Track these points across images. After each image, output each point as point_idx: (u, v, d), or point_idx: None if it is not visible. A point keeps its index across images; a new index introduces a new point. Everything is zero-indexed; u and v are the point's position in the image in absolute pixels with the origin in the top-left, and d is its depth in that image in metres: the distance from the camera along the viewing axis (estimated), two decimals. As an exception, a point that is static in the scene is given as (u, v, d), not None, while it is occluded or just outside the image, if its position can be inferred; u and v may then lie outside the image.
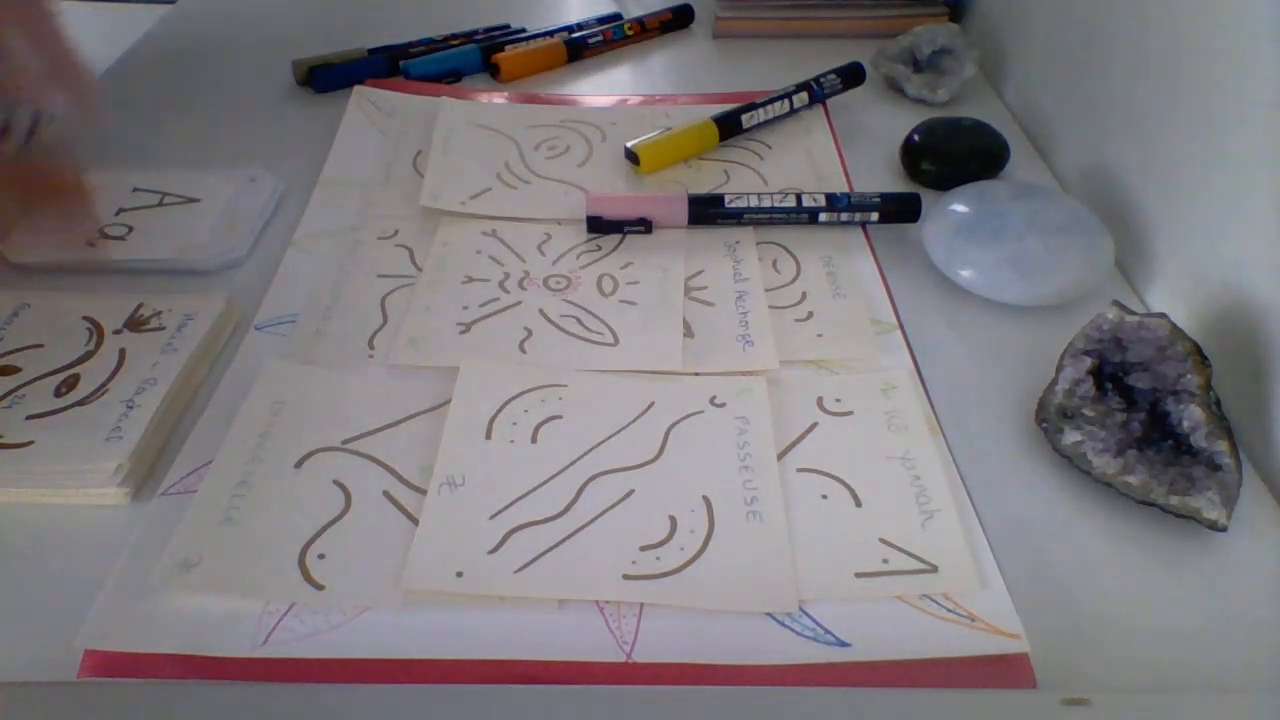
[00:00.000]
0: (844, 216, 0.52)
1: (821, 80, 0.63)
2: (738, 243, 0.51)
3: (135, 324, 0.43)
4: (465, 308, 0.46)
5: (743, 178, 0.57)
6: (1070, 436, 0.38)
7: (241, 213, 0.52)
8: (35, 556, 0.35)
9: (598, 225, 0.51)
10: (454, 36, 0.72)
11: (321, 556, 0.34)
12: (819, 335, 0.45)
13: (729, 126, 0.59)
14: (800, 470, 0.38)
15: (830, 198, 0.52)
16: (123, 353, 0.42)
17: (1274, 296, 0.39)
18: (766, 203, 0.51)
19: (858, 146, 0.61)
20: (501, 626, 0.32)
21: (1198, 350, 0.37)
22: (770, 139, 0.61)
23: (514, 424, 0.40)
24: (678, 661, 0.31)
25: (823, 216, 0.51)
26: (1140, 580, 0.35)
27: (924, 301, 0.48)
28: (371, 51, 0.69)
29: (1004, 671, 0.31)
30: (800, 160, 0.59)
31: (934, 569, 0.34)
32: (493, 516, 0.36)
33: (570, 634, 0.32)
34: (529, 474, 0.38)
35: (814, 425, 0.40)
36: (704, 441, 0.39)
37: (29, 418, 0.38)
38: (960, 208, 0.48)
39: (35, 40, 0.48)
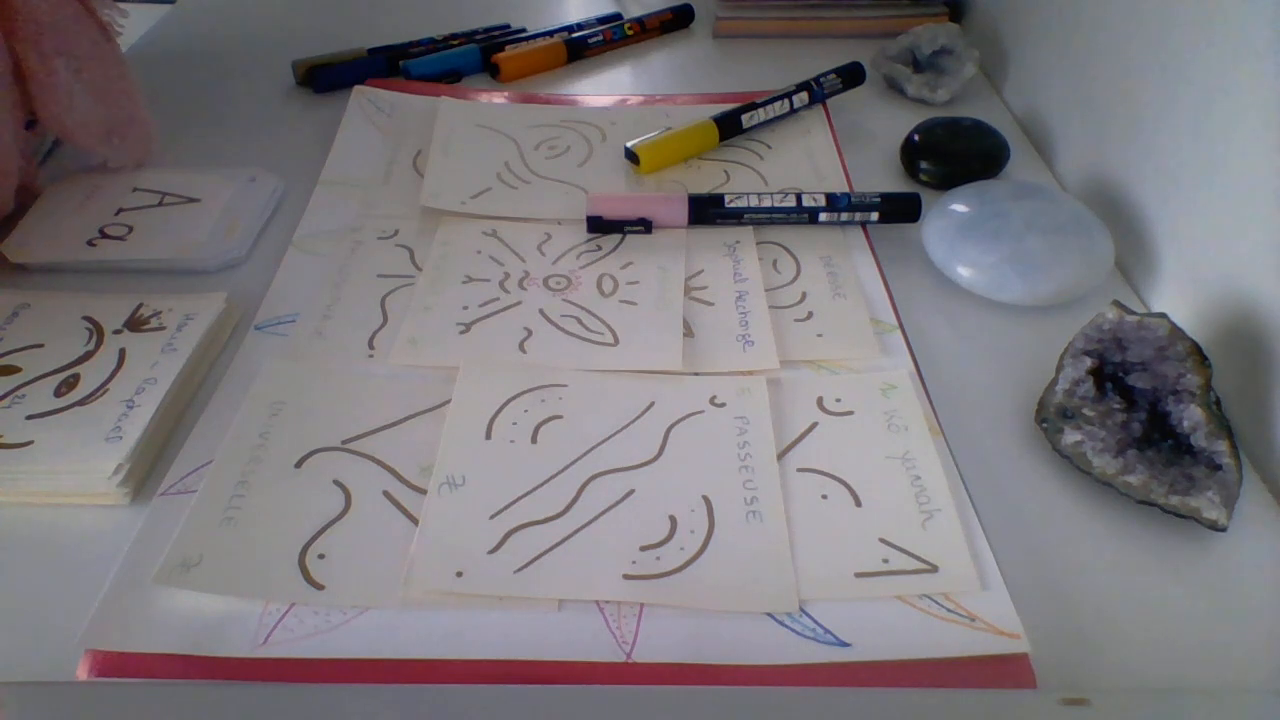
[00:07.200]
0: (844, 216, 0.52)
1: (821, 80, 0.63)
2: (738, 243, 0.51)
3: (135, 324, 0.43)
4: (465, 308, 0.46)
5: (743, 178, 0.57)
6: (1070, 436, 0.38)
7: (241, 213, 0.52)
8: (35, 556, 0.35)
9: (598, 225, 0.51)
10: (454, 36, 0.72)
11: (321, 556, 0.34)
12: (819, 335, 0.45)
13: (729, 126, 0.59)
14: (800, 470, 0.38)
15: (830, 198, 0.52)
16: (123, 353, 0.42)
17: (1274, 296, 0.39)
18: (766, 203, 0.51)
19: (858, 146, 0.61)
20: (501, 626, 0.32)
21: (1197, 350, 0.37)
22: (770, 139, 0.61)
23: (514, 424, 0.40)
24: (678, 661, 0.31)
25: (823, 216, 0.51)
26: (1140, 580, 0.35)
27: (924, 301, 0.48)
28: (371, 51, 0.69)
29: (1004, 671, 0.31)
30: (800, 160, 0.59)
31: (934, 569, 0.34)
32: (493, 516, 0.36)
33: (570, 634, 0.32)
34: (529, 474, 0.38)
35: (814, 425, 0.40)
36: (704, 441, 0.39)
37: (29, 418, 0.38)
38: (960, 208, 0.48)
39: (106, 97, 0.49)
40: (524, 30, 0.74)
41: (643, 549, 0.35)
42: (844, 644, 0.32)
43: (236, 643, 0.31)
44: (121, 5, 0.53)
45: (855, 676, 0.31)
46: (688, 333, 0.45)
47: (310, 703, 0.29)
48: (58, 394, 0.39)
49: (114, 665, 0.31)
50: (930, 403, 0.41)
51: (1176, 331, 0.38)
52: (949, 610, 0.33)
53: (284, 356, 0.43)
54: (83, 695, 0.30)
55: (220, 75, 0.68)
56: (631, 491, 0.37)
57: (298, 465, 0.38)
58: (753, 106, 0.60)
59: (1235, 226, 0.41)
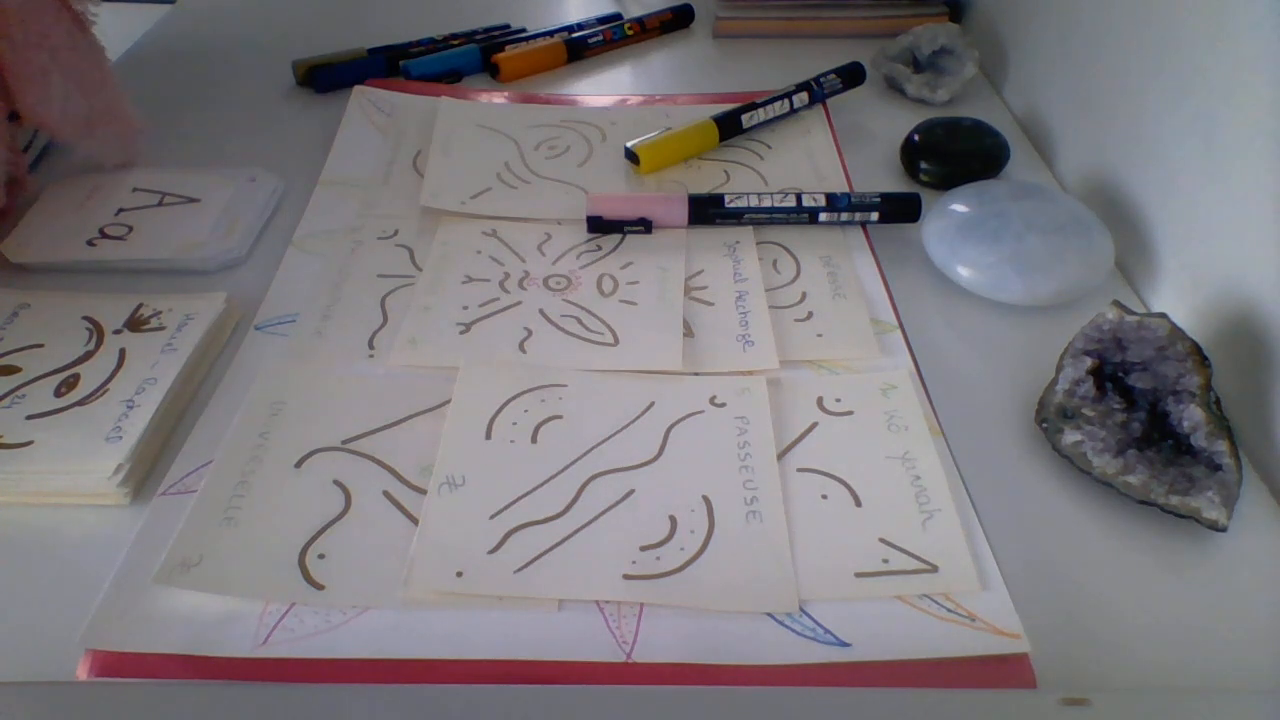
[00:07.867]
0: (844, 216, 0.52)
1: (821, 80, 0.63)
2: (738, 243, 0.51)
3: (135, 324, 0.43)
4: (465, 308, 0.46)
5: (743, 178, 0.57)
6: (1070, 436, 0.38)
7: (241, 213, 0.52)
8: (35, 556, 0.35)
9: (598, 225, 0.51)
10: (454, 36, 0.72)
11: (321, 556, 0.34)
12: (819, 335, 0.45)
13: (729, 126, 0.59)
14: (800, 470, 0.38)
15: (830, 198, 0.52)
16: (123, 353, 0.42)
17: (1274, 296, 0.39)
18: (766, 203, 0.51)
19: (858, 146, 0.61)
20: (501, 626, 0.32)
21: (1197, 350, 0.37)
22: (770, 139, 0.61)
23: (514, 424, 0.40)
24: (678, 661, 0.31)
25: (823, 216, 0.51)
26: (1140, 580, 0.35)
27: (924, 301, 0.48)
28: (371, 51, 0.69)
29: (1004, 671, 0.31)
30: (800, 160, 0.59)
31: (934, 569, 0.34)
32: (493, 516, 0.36)
33: (570, 634, 0.32)
34: (529, 474, 0.38)
35: (814, 425, 0.40)
36: (704, 441, 0.39)
37: (29, 418, 0.38)
38: (960, 208, 0.48)
39: (84, 87, 0.50)
40: (524, 30, 0.73)
41: (643, 549, 0.35)
42: (844, 644, 0.32)
43: (236, 643, 0.31)
44: (121, 6, 0.53)
45: (855, 676, 0.31)
46: (688, 333, 0.45)
47: (310, 703, 0.29)
48: (58, 394, 0.39)
49: (114, 665, 0.31)
50: (930, 403, 0.41)
51: (1176, 331, 0.38)
52: (949, 610, 0.33)
53: (284, 356, 0.43)
54: (83, 695, 0.30)
55: (220, 75, 0.68)
56: (631, 491, 0.37)
57: (298, 465, 0.38)
58: (753, 106, 0.60)
59: (1235, 226, 0.41)
